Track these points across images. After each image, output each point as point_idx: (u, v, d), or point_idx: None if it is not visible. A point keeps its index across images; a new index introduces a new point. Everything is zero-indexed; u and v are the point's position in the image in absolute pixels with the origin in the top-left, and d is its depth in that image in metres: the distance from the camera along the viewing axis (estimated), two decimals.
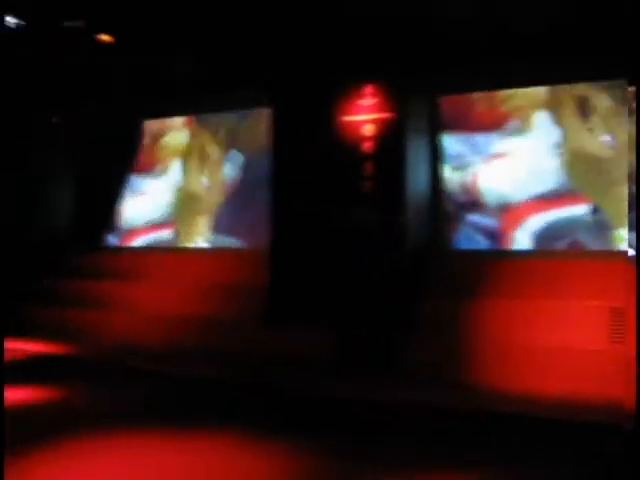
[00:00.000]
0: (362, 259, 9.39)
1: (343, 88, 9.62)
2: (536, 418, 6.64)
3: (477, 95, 10.04)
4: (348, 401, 7.61)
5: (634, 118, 7.03)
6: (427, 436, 6.25)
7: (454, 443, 6.03)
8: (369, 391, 7.98)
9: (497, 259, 9.49)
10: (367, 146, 9.45)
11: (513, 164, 9.73)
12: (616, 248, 8.91)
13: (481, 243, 9.91)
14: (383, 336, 9.04)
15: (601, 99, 9.22)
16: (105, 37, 10.08)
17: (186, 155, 13.96)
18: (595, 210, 9.07)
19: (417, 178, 9.64)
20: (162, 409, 7.26)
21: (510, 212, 9.72)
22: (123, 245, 14.36)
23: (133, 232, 14.45)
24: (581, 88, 9.37)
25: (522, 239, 9.67)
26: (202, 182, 13.66)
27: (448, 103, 10.18)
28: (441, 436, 6.26)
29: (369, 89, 9.41)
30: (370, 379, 8.52)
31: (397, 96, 9.29)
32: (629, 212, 8.32)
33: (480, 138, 9.95)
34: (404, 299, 9.19)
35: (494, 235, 9.83)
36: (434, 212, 9.96)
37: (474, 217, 9.93)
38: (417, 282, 9.35)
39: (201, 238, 13.25)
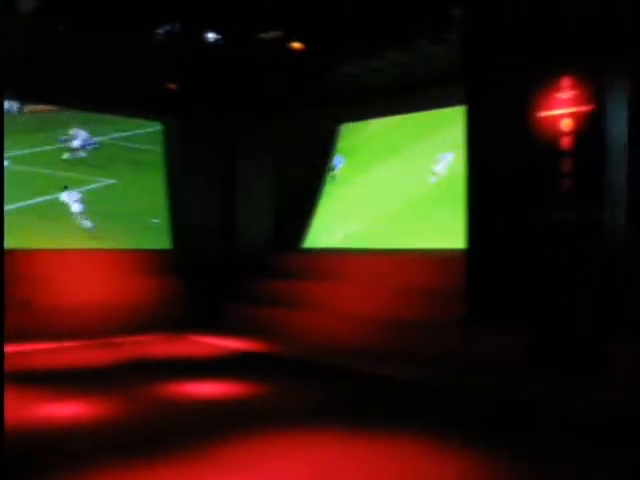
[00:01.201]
0: (560, 260, 8.95)
1: (539, 82, 9.22)
2: None
3: None
4: (540, 406, 7.26)
5: None
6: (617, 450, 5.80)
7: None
8: (563, 397, 7.57)
9: None
10: (566, 142, 8.99)
11: None
12: None
13: None
14: (580, 340, 8.58)
15: None
16: (297, 45, 10.31)
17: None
18: None
19: (619, 175, 9.03)
20: (355, 408, 7.27)
21: None
22: (321, 246, 14.68)
23: (330, 233, 14.78)
24: None
25: None
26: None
27: None
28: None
29: (567, 81, 8.95)
30: (567, 384, 8.11)
31: (597, 88, 8.76)
32: None
33: None
34: (601, 301, 8.65)
35: None
36: (636, 211, 9.29)
37: None
38: (615, 284, 8.76)
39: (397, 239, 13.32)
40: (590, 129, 8.75)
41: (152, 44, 10.58)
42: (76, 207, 13.94)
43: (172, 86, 12.11)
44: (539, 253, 9.20)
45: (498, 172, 9.83)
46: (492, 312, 9.66)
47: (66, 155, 14.37)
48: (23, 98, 13.67)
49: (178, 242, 15.00)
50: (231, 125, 14.89)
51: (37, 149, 14.18)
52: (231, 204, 15.01)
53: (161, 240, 14.93)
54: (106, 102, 14.15)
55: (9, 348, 10.63)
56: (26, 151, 13.94)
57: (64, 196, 13.87)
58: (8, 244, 12.96)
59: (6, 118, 13.68)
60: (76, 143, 14.48)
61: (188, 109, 14.50)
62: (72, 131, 14.46)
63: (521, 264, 9.41)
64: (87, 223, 13.99)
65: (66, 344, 11.17)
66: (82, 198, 13.99)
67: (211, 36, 10.40)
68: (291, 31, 10.40)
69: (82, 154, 14.47)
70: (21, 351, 10.50)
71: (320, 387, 8.30)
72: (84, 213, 13.97)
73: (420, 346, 10.16)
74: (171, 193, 15.22)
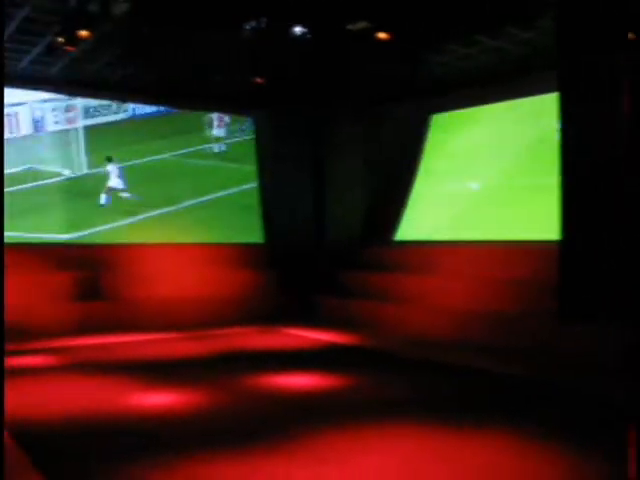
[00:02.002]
0: None
1: (634, 65, 8.86)
2: None
3: None
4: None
5: None
6: None
7: None
8: None
9: None
10: None
11: None
12: None
13: None
14: None
15: None
16: (382, 35, 10.21)
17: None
18: None
19: None
20: (446, 401, 7.19)
21: None
22: (411, 239, 14.57)
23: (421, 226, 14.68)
24: None
25: None
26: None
27: None
28: None
29: None
30: None
31: None
32: None
33: None
34: None
35: None
36: None
37: None
38: None
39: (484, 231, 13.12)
40: None
41: (239, 40, 10.69)
42: (115, 182, 14.13)
43: (259, 80, 12.22)
44: (634, 244, 8.87)
45: (593, 160, 9.51)
46: (584, 306, 9.37)
47: (216, 149, 15.08)
48: (116, 97, 14.09)
49: (270, 236, 15.18)
50: (320, 118, 14.96)
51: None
52: (321, 197, 15.08)
53: (253, 234, 15.16)
54: (197, 99, 14.46)
55: (106, 339, 11.06)
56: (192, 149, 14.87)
57: (109, 168, 14.08)
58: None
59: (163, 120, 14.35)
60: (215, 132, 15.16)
61: (277, 103, 14.64)
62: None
63: (618, 256, 9.08)
64: (126, 197, 14.25)
65: (160, 336, 11.45)
66: (122, 174, 14.19)
67: (297, 30, 10.43)
68: (379, 21, 10.31)
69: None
70: (117, 342, 10.85)
71: (411, 380, 8.23)
72: (123, 189, 14.19)
73: (512, 339, 9.99)
74: (262, 187, 15.42)
